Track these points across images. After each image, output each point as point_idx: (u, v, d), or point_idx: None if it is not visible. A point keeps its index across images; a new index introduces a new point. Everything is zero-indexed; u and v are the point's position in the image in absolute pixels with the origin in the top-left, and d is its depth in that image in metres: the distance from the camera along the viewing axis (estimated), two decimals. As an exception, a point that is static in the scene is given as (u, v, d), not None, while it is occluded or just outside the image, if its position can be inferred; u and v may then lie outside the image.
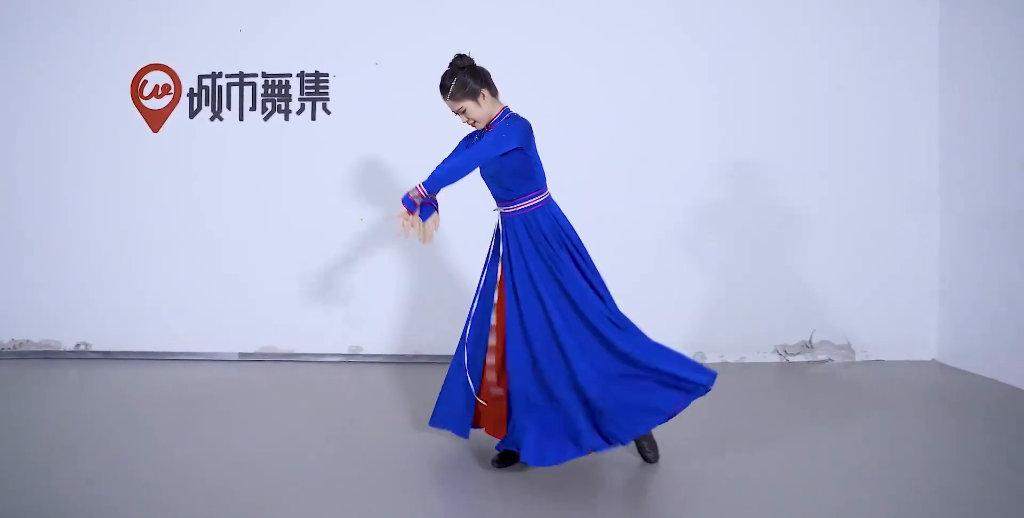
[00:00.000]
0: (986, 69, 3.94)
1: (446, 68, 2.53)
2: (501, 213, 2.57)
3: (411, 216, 2.42)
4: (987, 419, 3.21)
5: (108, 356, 4.37)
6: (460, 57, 2.52)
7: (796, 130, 4.29)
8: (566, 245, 2.50)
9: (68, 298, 4.37)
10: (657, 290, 4.26)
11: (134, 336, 4.36)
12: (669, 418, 2.44)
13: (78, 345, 4.40)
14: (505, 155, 2.42)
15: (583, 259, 2.53)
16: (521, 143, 2.41)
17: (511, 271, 2.47)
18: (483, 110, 2.49)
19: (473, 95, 2.46)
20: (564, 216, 2.58)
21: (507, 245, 2.50)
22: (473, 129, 2.61)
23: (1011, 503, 2.30)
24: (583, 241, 2.61)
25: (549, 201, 2.56)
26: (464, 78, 2.46)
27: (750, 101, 4.29)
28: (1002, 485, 2.44)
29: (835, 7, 4.27)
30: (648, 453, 2.60)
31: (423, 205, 2.48)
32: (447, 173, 2.45)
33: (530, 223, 2.49)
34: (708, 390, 2.45)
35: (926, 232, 4.31)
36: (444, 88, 2.48)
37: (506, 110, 2.55)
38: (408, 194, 2.44)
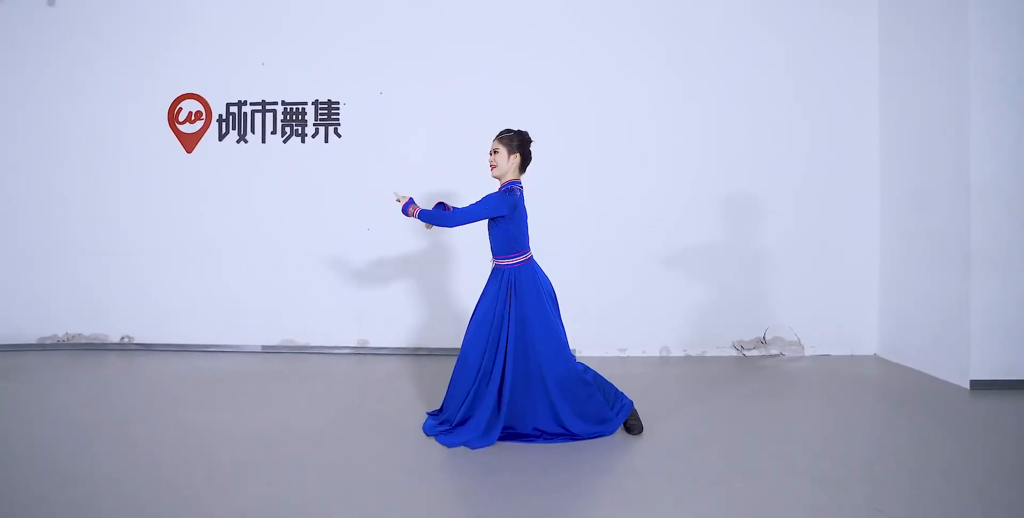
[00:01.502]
0: (921, 103, 4.46)
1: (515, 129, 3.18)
2: (496, 264, 3.15)
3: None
4: (916, 407, 3.73)
5: (148, 348, 5.00)
6: (526, 133, 3.16)
7: (758, 152, 4.83)
8: (542, 296, 3.10)
9: (114, 298, 5.02)
10: (628, 292, 4.83)
11: (171, 331, 4.99)
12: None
13: (122, 338, 5.04)
14: (493, 220, 3.06)
15: (553, 308, 3.12)
16: (506, 213, 3.02)
17: (509, 311, 3.06)
18: (506, 165, 3.10)
19: (510, 150, 3.11)
20: (542, 272, 3.17)
21: (507, 290, 3.08)
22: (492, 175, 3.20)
23: (938, 483, 2.67)
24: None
25: (530, 260, 3.13)
26: (515, 138, 3.12)
27: (717, 127, 4.83)
28: (930, 466, 2.91)
29: (784, 34, 4.81)
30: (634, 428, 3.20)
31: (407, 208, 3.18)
32: (441, 218, 3.10)
33: (516, 275, 3.10)
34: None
35: (868, 242, 4.84)
36: (502, 131, 3.14)
37: (514, 182, 3.12)
38: (407, 208, 3.14)
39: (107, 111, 4.99)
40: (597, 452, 2.99)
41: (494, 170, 3.10)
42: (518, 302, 3.02)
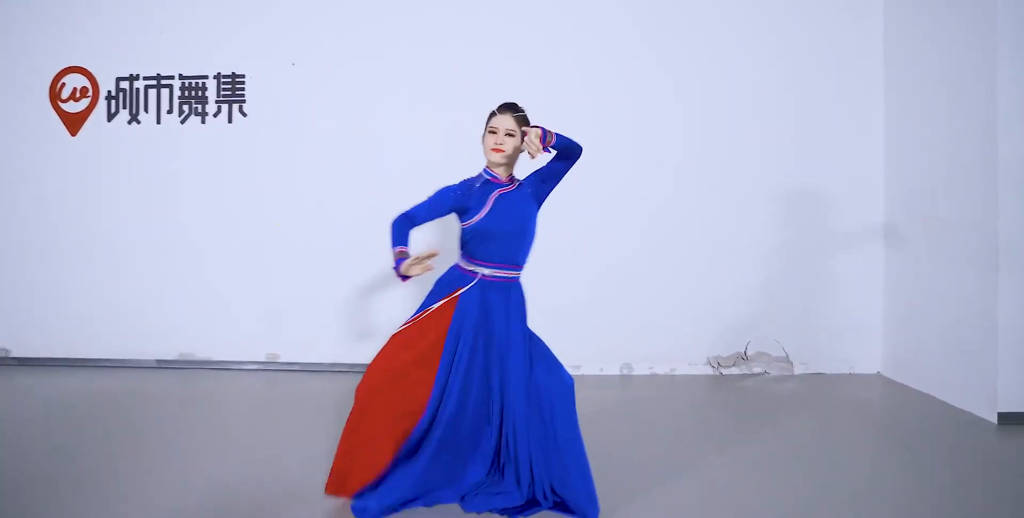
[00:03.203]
0: (928, 105, 3.67)
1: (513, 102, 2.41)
2: (491, 277, 2.33)
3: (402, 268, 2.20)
4: (930, 444, 2.96)
5: (25, 363, 4.32)
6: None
7: (742, 153, 4.09)
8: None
9: (-12, 304, 4.34)
10: (584, 298, 4.08)
11: (52, 343, 4.30)
12: None
13: (-2, 351, 4.37)
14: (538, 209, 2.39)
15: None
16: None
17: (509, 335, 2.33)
18: (515, 151, 2.34)
19: (522, 134, 2.31)
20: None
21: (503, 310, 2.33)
22: (495, 169, 2.36)
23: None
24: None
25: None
26: (526, 120, 2.36)
27: (703, 123, 4.10)
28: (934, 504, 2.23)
29: (785, 32, 4.06)
30: None
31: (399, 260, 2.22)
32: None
33: (516, 292, 2.36)
34: None
35: (870, 241, 4.07)
36: (516, 109, 2.37)
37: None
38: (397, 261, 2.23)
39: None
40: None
41: (502, 153, 2.31)
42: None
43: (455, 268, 2.38)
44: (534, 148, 2.13)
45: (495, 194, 2.31)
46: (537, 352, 2.36)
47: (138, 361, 4.28)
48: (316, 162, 4.17)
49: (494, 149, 2.30)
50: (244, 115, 4.22)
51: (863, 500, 2.38)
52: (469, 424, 2.29)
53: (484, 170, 2.37)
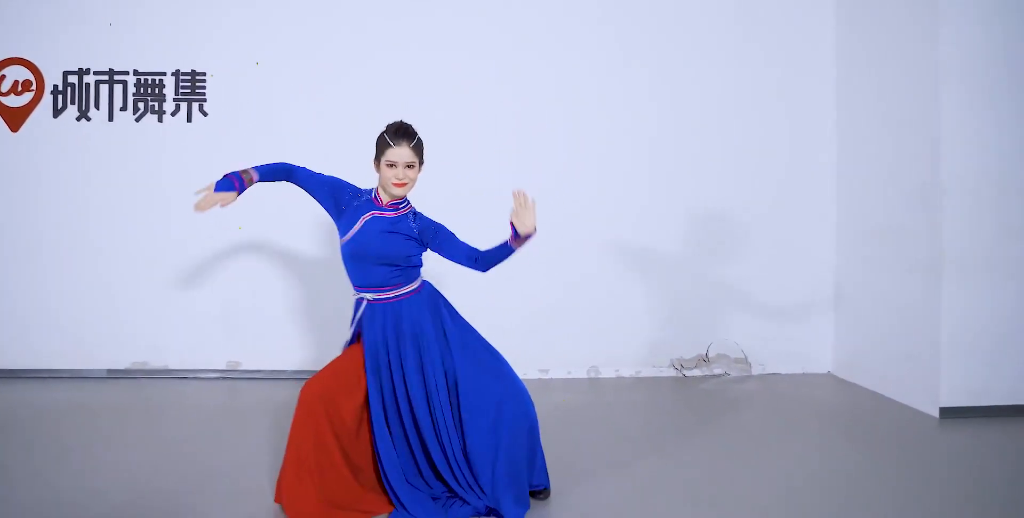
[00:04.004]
0: (882, 93, 3.92)
1: (404, 122, 2.33)
2: (376, 300, 2.32)
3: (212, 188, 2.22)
4: (877, 438, 3.16)
5: (-41, 374, 4.03)
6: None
7: (698, 155, 4.22)
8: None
9: (-85, 311, 4.02)
10: (552, 302, 4.13)
11: (-11, 352, 4.03)
12: None
13: (-73, 362, 4.05)
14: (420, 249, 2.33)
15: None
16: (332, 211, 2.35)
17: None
18: (413, 183, 2.31)
19: (422, 163, 2.32)
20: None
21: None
22: (383, 195, 2.32)
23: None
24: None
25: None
26: (422, 146, 2.31)
27: (660, 130, 4.21)
28: (893, 511, 2.37)
29: (736, 40, 4.23)
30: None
31: (226, 180, 2.24)
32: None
33: (416, 304, 2.33)
34: None
35: (822, 245, 4.29)
36: (412, 136, 2.28)
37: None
38: (239, 173, 2.26)
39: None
40: None
41: (405, 185, 2.27)
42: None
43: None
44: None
45: (367, 216, 2.27)
46: (477, 359, 2.32)
47: (86, 371, 4.06)
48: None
49: (396, 184, 2.24)
50: (204, 115, 4.07)
51: (814, 488, 2.54)
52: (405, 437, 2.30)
53: (371, 190, 2.35)
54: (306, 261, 4.08)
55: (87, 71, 4.05)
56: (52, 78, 4.04)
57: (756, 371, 4.28)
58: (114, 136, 4.06)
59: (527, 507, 2.26)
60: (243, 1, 4.06)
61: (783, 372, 4.29)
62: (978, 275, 3.38)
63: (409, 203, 2.37)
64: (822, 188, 4.31)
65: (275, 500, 2.30)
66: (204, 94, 4.07)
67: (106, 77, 4.06)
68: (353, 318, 2.39)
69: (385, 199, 2.33)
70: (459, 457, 2.26)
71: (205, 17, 4.04)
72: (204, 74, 4.06)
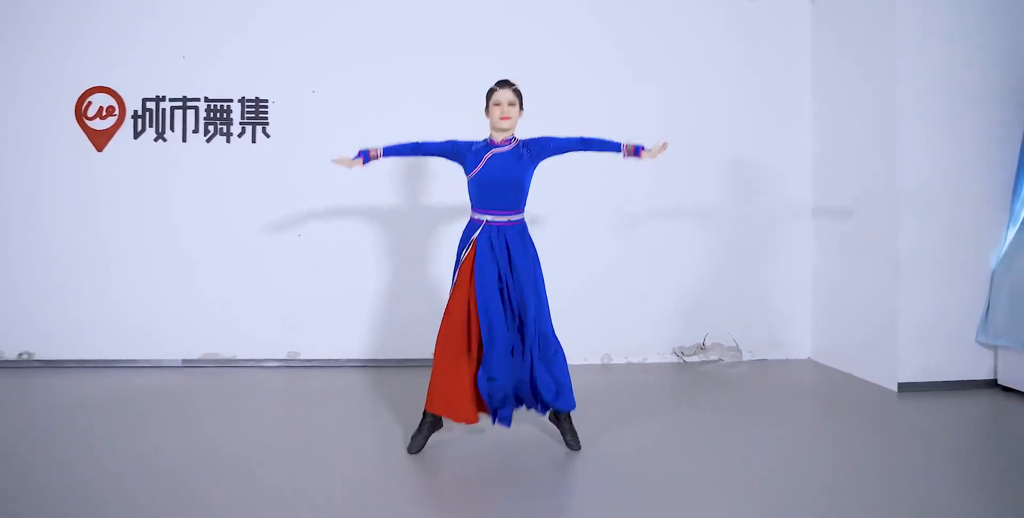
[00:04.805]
0: (851, 108, 4.60)
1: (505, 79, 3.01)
2: (492, 222, 2.95)
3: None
4: (847, 410, 3.81)
5: (50, 365, 4.56)
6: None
7: (691, 157, 4.83)
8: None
9: (11, 308, 4.55)
10: (569, 297, 4.75)
11: (77, 345, 4.57)
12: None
13: (21, 355, 4.58)
14: (535, 167, 3.00)
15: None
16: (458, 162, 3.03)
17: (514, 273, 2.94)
18: (516, 120, 2.97)
19: (521, 103, 3.00)
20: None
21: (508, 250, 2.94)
22: (495, 134, 2.97)
23: (867, 486, 2.72)
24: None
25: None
26: (520, 93, 2.99)
27: (649, 132, 4.80)
28: (858, 469, 2.93)
29: (718, 37, 4.89)
30: (571, 441, 3.06)
31: (360, 153, 3.07)
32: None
33: (523, 232, 2.99)
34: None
35: (802, 247, 4.96)
36: (510, 83, 2.97)
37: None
38: (367, 152, 3.07)
39: (2, 104, 4.52)
40: (537, 469, 2.89)
41: (507, 121, 2.92)
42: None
43: (470, 219, 3.04)
44: (654, 154, 3.01)
45: (490, 153, 2.92)
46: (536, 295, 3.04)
47: (163, 361, 4.62)
48: (335, 179, 4.62)
49: (503, 118, 2.90)
50: (268, 136, 4.66)
51: (794, 451, 3.13)
52: (501, 335, 2.95)
53: (485, 138, 2.99)
54: (357, 262, 4.67)
55: (163, 98, 4.61)
56: (132, 104, 4.60)
57: (746, 357, 4.94)
58: (187, 155, 4.63)
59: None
60: (301, 36, 4.65)
61: (769, 358, 4.95)
62: (930, 272, 4.05)
63: (516, 138, 2.99)
64: (801, 195, 4.95)
65: (426, 409, 2.95)
66: (267, 118, 4.65)
67: (180, 103, 4.62)
68: (470, 236, 2.98)
69: (497, 138, 2.96)
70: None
71: (267, 50, 4.63)
72: (267, 100, 4.64)
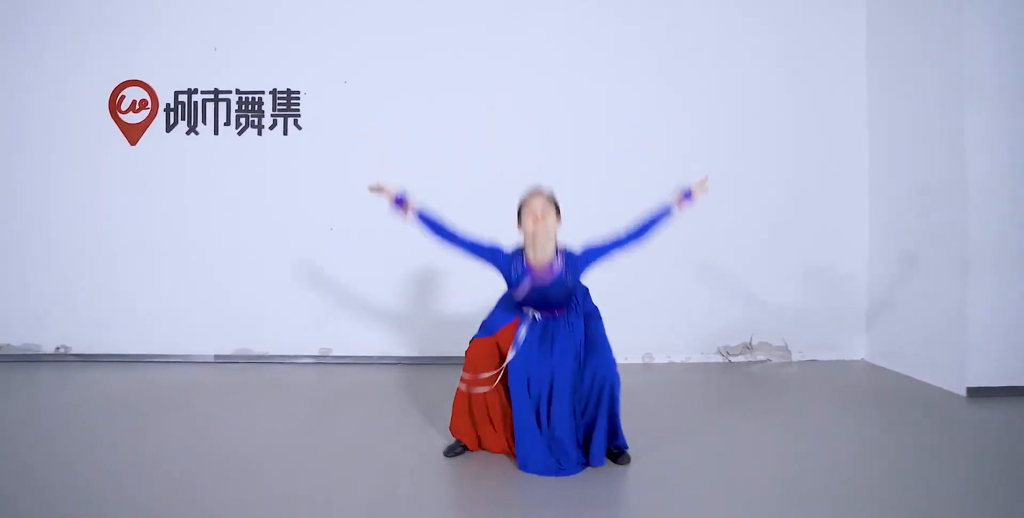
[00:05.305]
0: (912, 98, 4.29)
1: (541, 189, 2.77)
2: (540, 317, 2.82)
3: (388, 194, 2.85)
4: (911, 415, 3.54)
5: (86, 359, 4.56)
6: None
7: (740, 151, 4.61)
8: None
9: (48, 303, 4.56)
10: (607, 295, 4.55)
11: (112, 339, 4.56)
12: None
13: (58, 348, 4.59)
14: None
15: None
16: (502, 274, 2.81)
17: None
18: (555, 229, 2.71)
19: (558, 212, 2.75)
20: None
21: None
22: (533, 255, 2.70)
23: (936, 497, 2.56)
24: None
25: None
26: (555, 200, 2.73)
27: (695, 118, 4.60)
28: (928, 479, 2.72)
29: (767, 22, 4.62)
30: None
31: (400, 195, 2.86)
32: (442, 232, 2.79)
33: (564, 317, 2.84)
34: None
35: (856, 242, 4.67)
36: (541, 191, 2.73)
37: (565, 249, 2.79)
38: (404, 198, 2.83)
39: (38, 99, 4.52)
40: (578, 480, 2.71)
41: (544, 233, 2.66)
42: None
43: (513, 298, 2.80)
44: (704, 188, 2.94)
45: (530, 285, 2.69)
46: (592, 342, 2.85)
47: (196, 356, 4.58)
48: (368, 171, 4.49)
49: (536, 225, 2.64)
50: (299, 128, 4.57)
51: (854, 462, 2.89)
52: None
53: (522, 256, 2.71)
54: (390, 257, 4.55)
55: (195, 91, 4.56)
56: (165, 97, 4.56)
57: (796, 358, 4.67)
58: (219, 148, 4.57)
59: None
60: (333, 25, 4.54)
61: (821, 359, 4.68)
62: (1001, 266, 3.74)
63: (559, 256, 2.72)
64: (855, 188, 4.67)
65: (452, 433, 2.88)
66: (298, 110, 4.56)
67: (212, 96, 4.56)
68: (512, 315, 2.84)
69: (536, 259, 2.68)
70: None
71: (298, 42, 4.54)
72: (298, 92, 4.55)
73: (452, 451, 2.87)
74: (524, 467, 2.70)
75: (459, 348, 4.48)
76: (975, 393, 3.75)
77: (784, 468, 2.79)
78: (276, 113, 4.56)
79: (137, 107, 4.55)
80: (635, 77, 4.60)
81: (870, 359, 4.66)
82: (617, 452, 2.86)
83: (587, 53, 4.58)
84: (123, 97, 4.55)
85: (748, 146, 4.62)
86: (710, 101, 4.61)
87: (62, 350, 4.59)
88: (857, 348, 4.70)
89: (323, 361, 4.58)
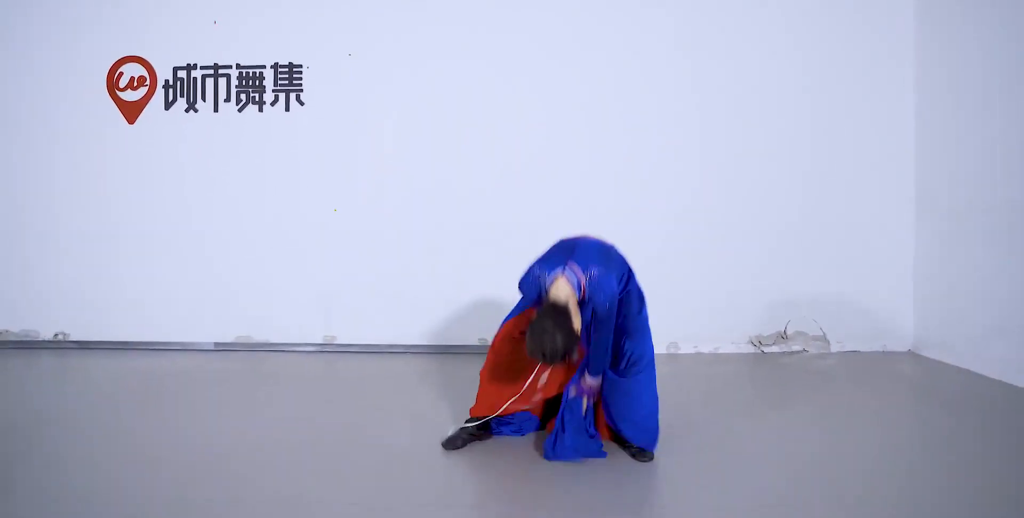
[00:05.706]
0: (963, 62, 3.89)
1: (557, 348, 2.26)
2: None
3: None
4: (956, 407, 3.19)
5: (85, 346, 4.40)
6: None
7: (773, 127, 4.25)
8: None
9: (47, 289, 4.41)
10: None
11: (111, 326, 4.39)
12: None
13: (56, 335, 4.44)
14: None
15: None
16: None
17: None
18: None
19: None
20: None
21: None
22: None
23: (983, 490, 2.29)
24: None
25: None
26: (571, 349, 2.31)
27: (730, 105, 4.26)
28: (998, 485, 2.40)
29: (811, 12, 4.24)
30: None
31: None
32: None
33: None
34: None
35: (902, 225, 4.28)
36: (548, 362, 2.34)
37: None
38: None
39: (34, 76, 4.37)
40: (598, 477, 2.42)
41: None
42: None
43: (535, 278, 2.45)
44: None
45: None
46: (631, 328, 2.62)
47: (196, 344, 4.38)
48: (372, 149, 4.30)
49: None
50: (301, 104, 4.34)
51: (907, 461, 2.56)
52: None
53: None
54: (398, 241, 4.30)
55: (194, 66, 4.36)
56: (163, 73, 4.37)
57: (835, 348, 4.30)
58: (219, 126, 4.36)
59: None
60: (336, -4, 4.30)
61: (863, 349, 4.30)
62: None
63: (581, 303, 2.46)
64: (900, 166, 4.27)
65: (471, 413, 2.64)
66: (301, 85, 4.33)
67: (211, 71, 4.36)
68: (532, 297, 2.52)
69: None
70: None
71: (301, 13, 4.31)
72: (300, 66, 4.32)
73: (452, 444, 2.59)
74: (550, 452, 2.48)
75: (471, 337, 4.26)
76: (1043, 386, 3.35)
77: (820, 467, 2.47)
78: (277, 88, 4.34)
79: (136, 84, 4.37)
80: (659, 59, 4.27)
81: (918, 350, 4.26)
82: (637, 450, 2.55)
83: (602, 31, 4.26)
84: (121, 74, 4.37)
85: (785, 129, 4.26)
86: (751, 85, 4.25)
87: (60, 337, 4.43)
88: (903, 338, 4.30)
89: (327, 349, 4.35)
